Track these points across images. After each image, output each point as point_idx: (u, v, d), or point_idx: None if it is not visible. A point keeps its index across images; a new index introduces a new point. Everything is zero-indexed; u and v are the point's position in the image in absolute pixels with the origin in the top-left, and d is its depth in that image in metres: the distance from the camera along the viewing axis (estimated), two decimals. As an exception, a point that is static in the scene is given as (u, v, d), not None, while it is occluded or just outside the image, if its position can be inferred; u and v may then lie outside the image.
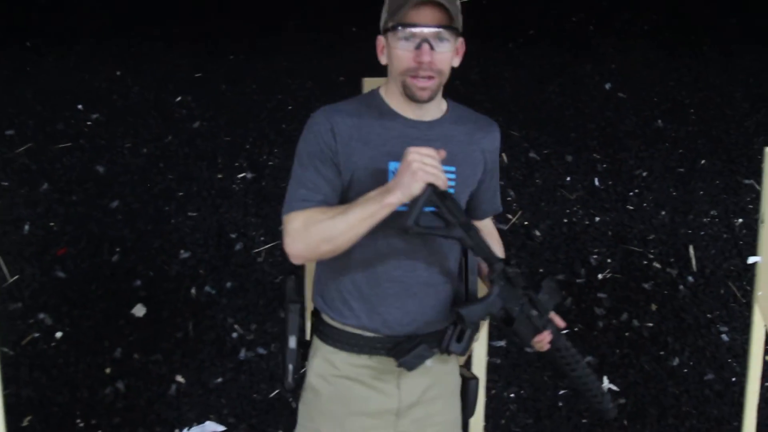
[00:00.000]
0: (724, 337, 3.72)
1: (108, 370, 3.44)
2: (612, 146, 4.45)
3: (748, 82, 4.93)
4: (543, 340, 1.91)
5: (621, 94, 4.84)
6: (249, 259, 3.82)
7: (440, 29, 1.77)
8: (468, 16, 5.44)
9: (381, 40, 1.87)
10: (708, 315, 3.79)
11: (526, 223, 4.04)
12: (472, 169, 1.95)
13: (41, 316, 3.56)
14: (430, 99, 1.85)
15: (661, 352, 3.65)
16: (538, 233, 4.01)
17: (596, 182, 4.25)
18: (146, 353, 3.50)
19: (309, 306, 2.18)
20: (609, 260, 3.94)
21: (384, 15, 1.85)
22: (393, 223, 1.79)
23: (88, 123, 4.32)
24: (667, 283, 3.87)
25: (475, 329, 1.90)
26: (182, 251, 3.81)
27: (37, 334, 3.51)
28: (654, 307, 3.79)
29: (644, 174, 4.31)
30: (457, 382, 2.10)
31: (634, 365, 3.60)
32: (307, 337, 2.14)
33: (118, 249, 3.79)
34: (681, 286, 3.86)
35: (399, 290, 1.90)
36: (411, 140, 1.84)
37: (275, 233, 3.91)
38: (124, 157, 4.15)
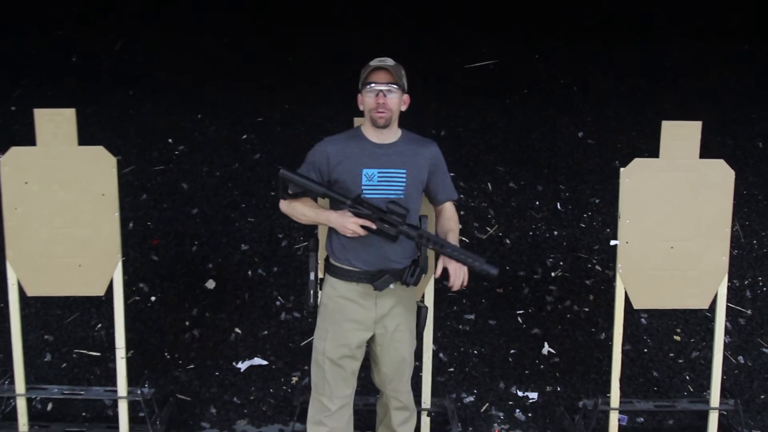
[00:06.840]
0: (643, 320, 4.84)
1: (187, 323, 4.67)
2: (575, 180, 5.67)
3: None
4: None
5: (590, 140, 6.06)
6: (291, 252, 5.07)
7: (388, 85, 3.10)
8: (473, 78, 6.78)
9: (359, 97, 3.20)
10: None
11: (500, 234, 5.27)
12: (419, 170, 3.19)
13: (141, 285, 4.84)
14: (386, 125, 3.13)
15: (593, 329, 4.78)
16: (508, 242, 5.23)
17: (558, 206, 5.48)
18: (214, 312, 4.73)
19: (322, 255, 3.45)
20: (561, 263, 5.12)
21: (360, 83, 3.19)
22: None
23: (176, 153, 5.71)
24: (604, 281, 5.03)
25: (424, 271, 3.13)
26: (243, 245, 5.09)
27: (137, 298, 4.79)
28: (591, 297, 4.95)
29: (597, 201, 5.51)
30: (413, 306, 3.34)
31: (570, 336, 4.72)
32: (321, 275, 3.40)
33: (196, 242, 5.08)
34: (615, 284, 5.02)
35: (369, 244, 3.14)
36: (377, 155, 3.15)
37: (312, 235, 5.13)
38: (202, 177, 5.50)
